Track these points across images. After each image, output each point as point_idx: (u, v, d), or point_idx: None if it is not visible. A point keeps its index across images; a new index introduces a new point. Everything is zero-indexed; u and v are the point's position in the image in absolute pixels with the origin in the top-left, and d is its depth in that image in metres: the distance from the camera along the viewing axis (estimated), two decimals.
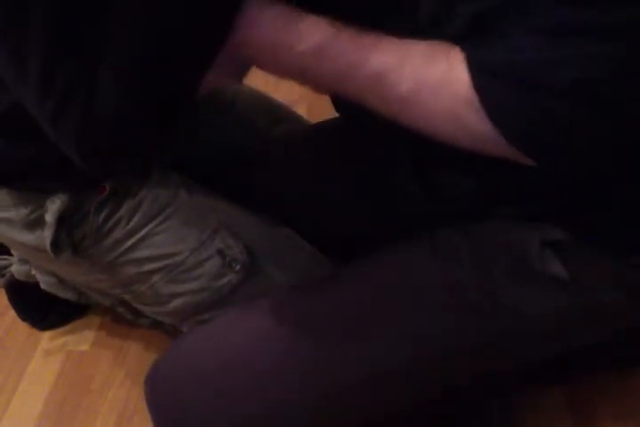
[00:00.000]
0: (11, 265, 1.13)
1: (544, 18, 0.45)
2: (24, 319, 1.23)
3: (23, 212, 0.77)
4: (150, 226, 0.79)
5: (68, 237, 0.78)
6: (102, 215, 0.78)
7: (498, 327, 0.66)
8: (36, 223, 0.78)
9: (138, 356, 1.16)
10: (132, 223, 0.79)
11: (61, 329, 1.22)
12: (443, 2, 0.51)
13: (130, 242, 0.79)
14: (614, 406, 1.00)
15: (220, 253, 0.80)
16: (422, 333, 0.66)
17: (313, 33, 0.54)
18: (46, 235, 0.76)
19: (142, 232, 0.79)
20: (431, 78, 0.51)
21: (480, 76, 0.49)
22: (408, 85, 0.52)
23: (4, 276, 1.18)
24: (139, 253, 0.80)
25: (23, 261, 1.07)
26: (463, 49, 0.50)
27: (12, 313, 1.23)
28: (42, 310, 1.21)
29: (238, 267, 0.80)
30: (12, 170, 0.76)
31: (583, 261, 0.64)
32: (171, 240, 0.80)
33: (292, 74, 0.59)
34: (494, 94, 0.49)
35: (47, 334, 1.22)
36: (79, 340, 1.20)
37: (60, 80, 0.55)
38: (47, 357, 1.18)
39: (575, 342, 0.72)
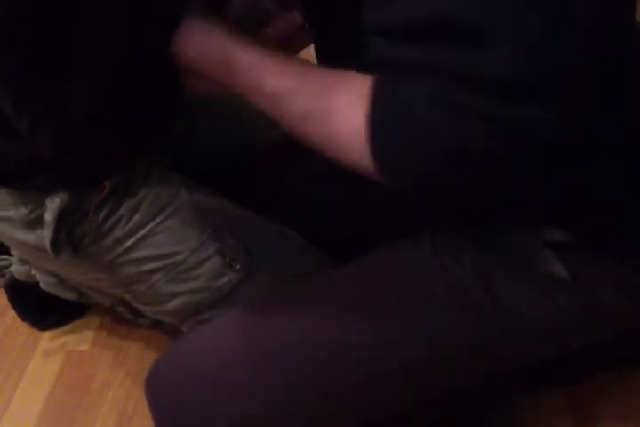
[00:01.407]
0: (11, 265, 1.13)
1: (440, 85, 0.44)
2: (24, 319, 1.23)
3: (23, 211, 0.77)
4: (150, 225, 0.79)
5: (68, 236, 0.77)
6: (102, 214, 0.78)
7: (498, 327, 0.66)
8: (35, 222, 0.78)
9: (138, 356, 1.16)
10: (132, 223, 0.79)
11: (61, 329, 1.22)
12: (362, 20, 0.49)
13: (130, 241, 0.79)
14: (614, 406, 1.00)
15: (220, 252, 0.80)
16: (422, 333, 0.66)
17: (216, 49, 0.58)
18: (46, 234, 0.76)
19: (142, 232, 0.79)
20: (321, 105, 0.52)
21: (375, 112, 0.48)
22: (300, 110, 0.54)
23: (4, 276, 1.18)
24: (138, 253, 0.80)
25: (23, 261, 1.07)
26: (376, 80, 0.49)
27: (12, 313, 1.23)
28: (42, 310, 1.21)
29: (238, 266, 0.80)
30: (12, 169, 0.76)
31: (583, 261, 0.64)
32: (171, 240, 0.80)
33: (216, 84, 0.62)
34: (382, 134, 0.48)
35: (47, 334, 1.22)
36: (79, 340, 1.20)
37: (30, 108, 0.61)
38: (47, 357, 1.18)
39: (575, 342, 0.72)
